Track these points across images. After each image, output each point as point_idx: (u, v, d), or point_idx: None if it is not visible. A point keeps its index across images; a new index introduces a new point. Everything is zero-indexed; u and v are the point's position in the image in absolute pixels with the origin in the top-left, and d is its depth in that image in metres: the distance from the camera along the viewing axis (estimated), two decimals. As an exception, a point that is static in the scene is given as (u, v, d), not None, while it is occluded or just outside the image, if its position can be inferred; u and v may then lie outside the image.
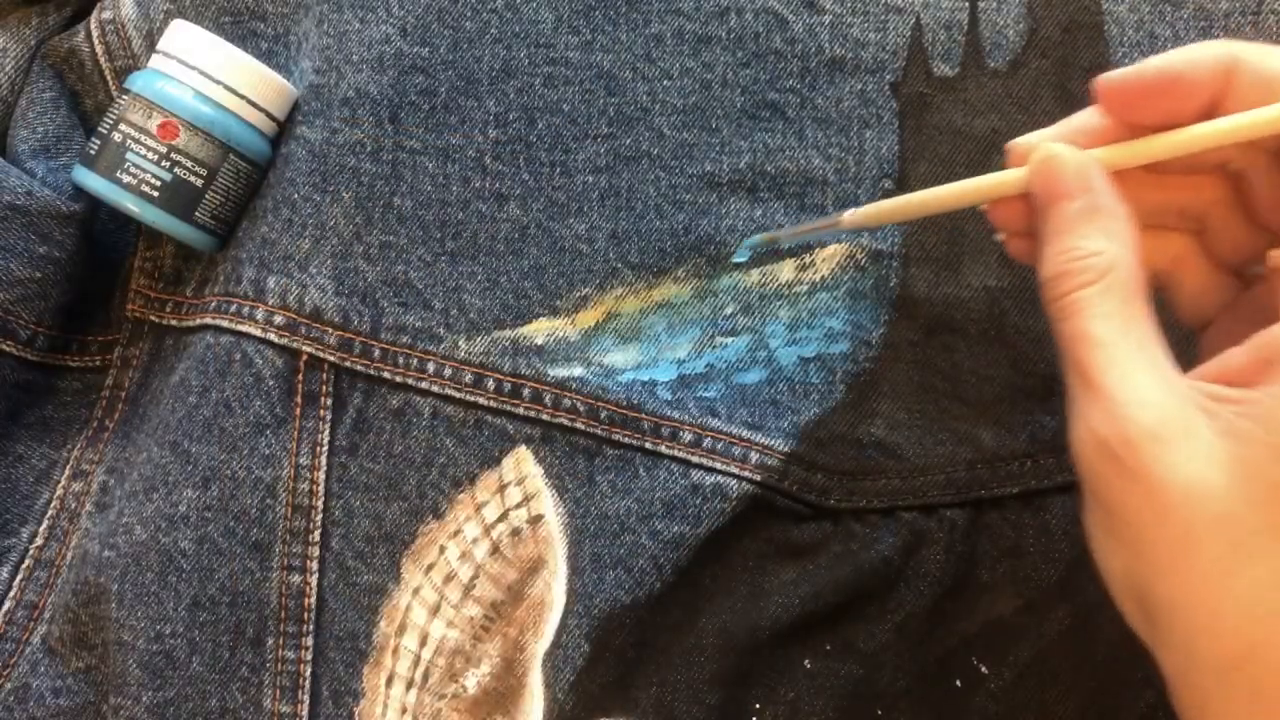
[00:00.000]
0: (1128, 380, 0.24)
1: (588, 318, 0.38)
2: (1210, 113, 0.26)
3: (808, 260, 0.38)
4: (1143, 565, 0.25)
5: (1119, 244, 0.26)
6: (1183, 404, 0.24)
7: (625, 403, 0.37)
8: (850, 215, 0.32)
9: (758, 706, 0.37)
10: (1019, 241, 0.30)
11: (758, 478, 0.37)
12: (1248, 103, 0.26)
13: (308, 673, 0.37)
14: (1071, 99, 0.37)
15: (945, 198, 0.30)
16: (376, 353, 0.38)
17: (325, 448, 0.38)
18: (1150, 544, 0.24)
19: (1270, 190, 0.27)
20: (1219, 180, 0.29)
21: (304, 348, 0.38)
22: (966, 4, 0.38)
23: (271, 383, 0.37)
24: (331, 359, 0.38)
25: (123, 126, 0.37)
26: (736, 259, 0.38)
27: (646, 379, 0.37)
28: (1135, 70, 0.27)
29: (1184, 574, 0.24)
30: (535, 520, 0.37)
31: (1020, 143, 0.29)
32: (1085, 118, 0.28)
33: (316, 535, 0.37)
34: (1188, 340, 0.30)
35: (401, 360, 0.38)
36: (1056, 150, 0.27)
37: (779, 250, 0.38)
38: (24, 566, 0.39)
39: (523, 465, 0.37)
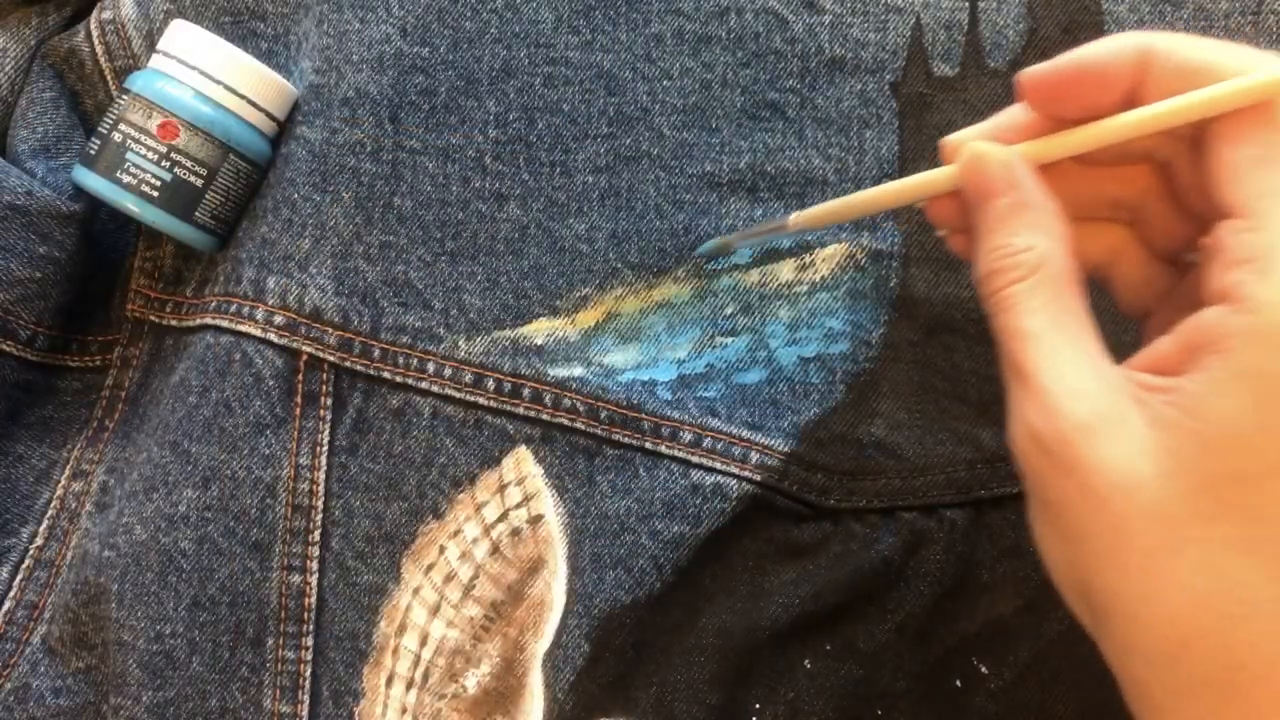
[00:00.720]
0: (1059, 373, 0.25)
1: (588, 318, 0.38)
2: (1131, 104, 0.26)
3: (808, 260, 0.38)
4: (1081, 559, 0.25)
5: (1048, 238, 0.26)
6: (1115, 395, 0.24)
7: (625, 403, 0.37)
8: (795, 218, 0.33)
9: (758, 706, 0.37)
10: (959, 238, 0.30)
11: (758, 478, 0.37)
12: (1165, 93, 0.26)
13: (308, 673, 0.37)
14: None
15: (882, 197, 0.30)
16: (376, 353, 0.38)
17: (325, 448, 0.38)
18: (1087, 537, 0.24)
19: (1193, 178, 0.27)
20: (1147, 170, 0.29)
21: (304, 348, 0.38)
22: (966, 4, 0.38)
23: (271, 383, 0.38)
24: (331, 359, 0.38)
25: (123, 126, 0.37)
26: (739, 258, 0.38)
27: (646, 379, 0.37)
28: (1053, 64, 0.27)
29: (1119, 567, 0.24)
30: (535, 520, 0.37)
31: (951, 140, 0.29)
32: (1012, 113, 0.28)
33: (316, 535, 0.37)
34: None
35: (401, 360, 0.38)
36: (982, 149, 0.27)
37: (779, 250, 0.38)
38: (24, 566, 0.39)
39: (523, 465, 0.37)
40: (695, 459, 0.37)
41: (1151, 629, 0.24)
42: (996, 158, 0.27)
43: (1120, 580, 0.24)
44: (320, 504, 0.37)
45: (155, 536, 0.37)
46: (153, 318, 0.41)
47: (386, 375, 0.38)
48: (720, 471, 0.37)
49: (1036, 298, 0.25)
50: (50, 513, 0.40)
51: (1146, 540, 0.23)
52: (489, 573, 0.37)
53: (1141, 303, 0.30)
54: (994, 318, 0.26)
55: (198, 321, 0.39)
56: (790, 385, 0.37)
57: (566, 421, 0.37)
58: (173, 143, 0.37)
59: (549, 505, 0.37)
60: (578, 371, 0.37)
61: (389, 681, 0.37)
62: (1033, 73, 0.27)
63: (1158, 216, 0.29)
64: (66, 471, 0.40)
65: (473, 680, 0.37)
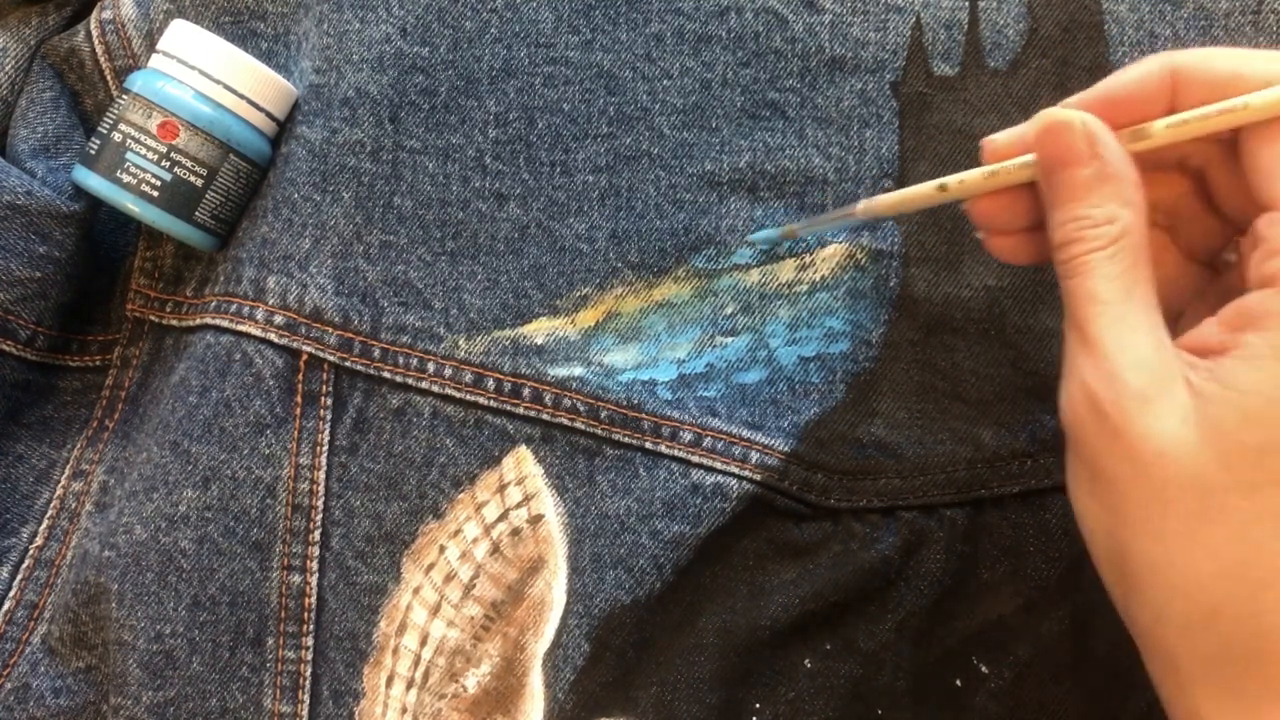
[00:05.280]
0: (1125, 341, 0.25)
1: (588, 317, 0.38)
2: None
3: (808, 260, 0.38)
4: (1120, 524, 0.25)
5: (1130, 209, 0.26)
6: (1169, 367, 0.25)
7: (625, 402, 0.37)
8: (864, 205, 0.33)
9: (758, 706, 0.37)
10: (1000, 240, 0.30)
11: (758, 477, 0.37)
12: (1197, 105, 0.27)
13: (308, 673, 0.37)
14: (1071, 98, 0.38)
15: (959, 190, 0.30)
16: (376, 352, 0.38)
17: (325, 447, 0.38)
18: (1127, 502, 0.25)
19: (1228, 181, 0.28)
20: (1180, 176, 0.30)
21: (304, 347, 0.38)
22: (966, 3, 0.38)
23: (271, 382, 0.38)
24: (332, 359, 0.38)
25: (123, 126, 0.37)
26: (739, 258, 0.38)
27: (646, 379, 0.37)
28: (1082, 97, 0.28)
29: (1157, 532, 0.24)
30: (535, 520, 0.37)
31: (998, 138, 0.29)
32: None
33: (316, 535, 0.37)
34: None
35: (401, 360, 0.38)
36: (1062, 115, 0.27)
37: (779, 250, 0.38)
38: (24, 566, 0.39)
39: (523, 465, 0.37)
40: (695, 459, 0.37)
41: (1184, 596, 0.24)
42: (1078, 125, 0.27)
43: (1156, 547, 0.25)
44: (320, 504, 0.37)
45: (155, 536, 0.37)
46: (153, 317, 0.41)
47: (387, 375, 0.38)
48: (720, 471, 0.37)
49: (1113, 265, 0.26)
50: (50, 513, 0.40)
51: (1184, 507, 0.24)
52: (489, 572, 0.37)
53: (1174, 304, 0.30)
54: (1064, 279, 0.27)
55: (198, 321, 0.39)
56: (790, 385, 0.37)
57: (566, 421, 0.37)
58: (173, 143, 0.37)
59: (549, 505, 0.37)
60: (578, 371, 0.37)
61: (389, 681, 0.37)
62: (1067, 104, 0.28)
63: (1192, 219, 0.30)
64: (66, 471, 0.40)
65: (473, 680, 0.37)
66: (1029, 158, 0.28)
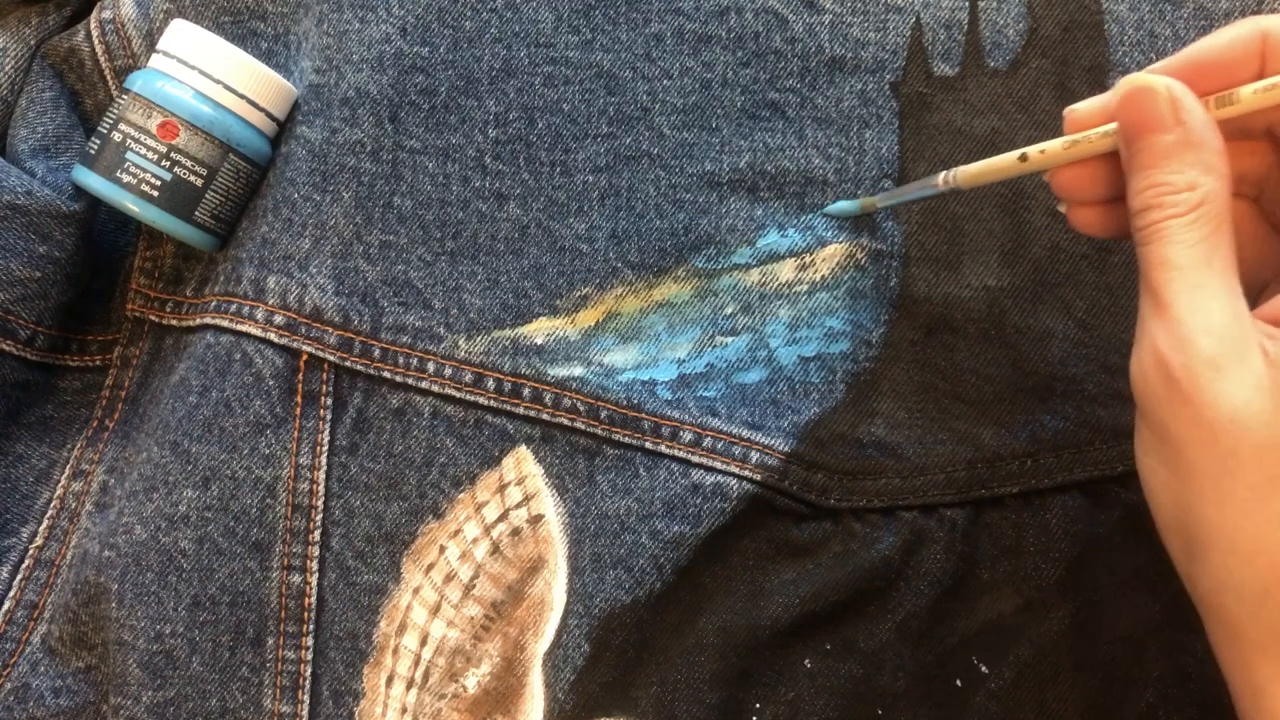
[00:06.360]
0: (1198, 306, 0.25)
1: (588, 317, 0.38)
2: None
3: (808, 260, 0.38)
4: (1186, 490, 0.25)
5: (1213, 178, 0.26)
6: (1244, 335, 0.25)
7: (625, 402, 0.37)
8: (945, 176, 0.33)
9: (758, 706, 0.37)
10: (1083, 211, 0.30)
11: (758, 477, 0.37)
12: None
13: (308, 673, 0.37)
14: (1072, 98, 0.37)
15: (1041, 160, 0.30)
16: (376, 352, 0.38)
17: (325, 447, 0.38)
18: (1194, 468, 0.25)
19: None
20: (1270, 145, 0.29)
21: (304, 347, 0.38)
22: (966, 3, 0.38)
23: (271, 382, 0.38)
24: (331, 359, 0.38)
25: (123, 126, 0.37)
26: (739, 258, 0.38)
27: (646, 378, 0.37)
28: (1169, 62, 0.27)
29: (1225, 499, 0.24)
30: (535, 520, 0.37)
31: (1079, 107, 0.29)
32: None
33: (316, 535, 0.37)
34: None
35: (402, 360, 0.38)
36: (1144, 80, 0.27)
37: (778, 249, 0.38)
38: (24, 566, 0.39)
39: (523, 465, 0.37)
40: (695, 459, 0.37)
41: (1249, 564, 0.24)
42: (1162, 90, 0.26)
43: (1223, 514, 0.24)
44: (320, 504, 0.37)
45: (155, 536, 0.37)
46: (153, 317, 0.41)
47: (387, 375, 0.38)
48: (720, 471, 0.37)
49: (1192, 232, 0.26)
50: (50, 512, 0.40)
51: (1253, 476, 0.24)
52: (489, 572, 0.37)
53: (1259, 277, 0.30)
54: (1142, 245, 0.26)
55: (198, 321, 0.39)
56: (790, 385, 0.37)
57: (566, 421, 0.37)
58: (173, 142, 0.37)
59: (549, 505, 0.37)
60: (578, 371, 0.37)
61: (389, 681, 0.37)
62: (1153, 69, 0.27)
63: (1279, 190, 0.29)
64: (66, 471, 0.40)
65: (473, 680, 0.37)
66: (1110, 127, 0.28)
